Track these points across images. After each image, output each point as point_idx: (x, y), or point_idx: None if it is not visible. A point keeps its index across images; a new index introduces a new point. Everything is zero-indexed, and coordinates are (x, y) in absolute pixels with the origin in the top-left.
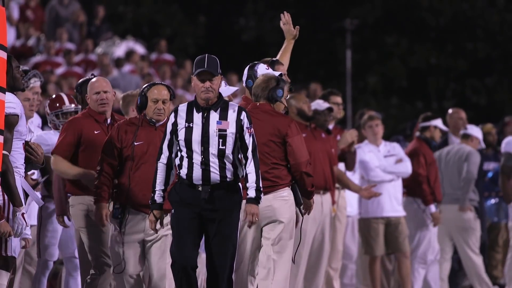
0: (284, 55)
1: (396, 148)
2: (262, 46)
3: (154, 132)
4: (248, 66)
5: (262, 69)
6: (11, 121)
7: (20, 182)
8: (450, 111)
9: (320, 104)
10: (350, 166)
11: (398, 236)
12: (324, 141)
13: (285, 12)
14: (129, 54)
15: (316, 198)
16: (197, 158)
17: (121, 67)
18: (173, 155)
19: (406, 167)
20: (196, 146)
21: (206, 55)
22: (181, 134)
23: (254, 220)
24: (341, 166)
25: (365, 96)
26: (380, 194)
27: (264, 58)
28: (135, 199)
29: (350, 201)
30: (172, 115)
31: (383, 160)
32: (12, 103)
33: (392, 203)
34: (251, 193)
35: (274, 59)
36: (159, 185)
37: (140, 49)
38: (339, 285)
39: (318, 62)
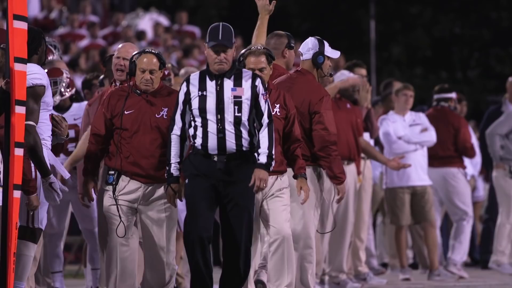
0: (262, 34)
1: (421, 117)
2: (286, 17)
3: (145, 100)
4: (314, 39)
5: (327, 46)
6: (37, 92)
7: (47, 154)
8: (510, 79)
9: (345, 75)
10: (371, 132)
11: (424, 206)
12: (349, 111)
13: None
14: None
15: None
16: (212, 126)
17: (142, 40)
18: (187, 126)
19: (431, 136)
20: (211, 115)
21: (220, 24)
22: (195, 103)
23: (262, 185)
24: (366, 136)
25: (389, 66)
26: (409, 165)
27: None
28: (129, 168)
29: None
30: (184, 84)
31: (408, 129)
32: (38, 74)
33: (418, 172)
34: (262, 158)
35: (355, 61)
36: (174, 158)
37: (164, 21)
38: (365, 256)
39: (341, 33)
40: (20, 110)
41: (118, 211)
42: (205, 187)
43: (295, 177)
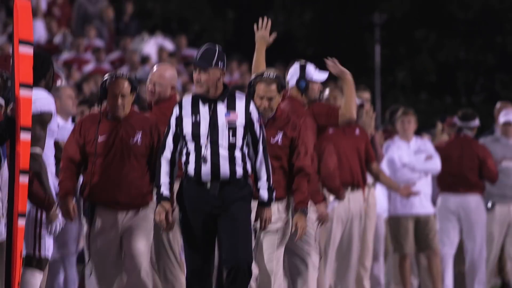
0: (261, 65)
1: (427, 144)
2: (291, 41)
3: (118, 126)
4: (297, 65)
5: (311, 70)
6: (45, 118)
7: (52, 182)
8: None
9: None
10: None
11: (428, 234)
12: (356, 138)
13: (265, 18)
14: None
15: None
16: (206, 152)
17: (146, 64)
18: (178, 151)
19: (436, 164)
20: (204, 140)
21: (205, 46)
22: (188, 128)
23: (267, 225)
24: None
25: (394, 91)
26: (418, 193)
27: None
28: (104, 196)
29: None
30: (176, 108)
31: (412, 157)
32: (46, 100)
33: (421, 200)
34: (263, 193)
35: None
36: (164, 178)
37: (169, 45)
38: (369, 284)
39: (347, 57)
40: (25, 137)
41: (88, 248)
42: (202, 219)
43: (294, 210)
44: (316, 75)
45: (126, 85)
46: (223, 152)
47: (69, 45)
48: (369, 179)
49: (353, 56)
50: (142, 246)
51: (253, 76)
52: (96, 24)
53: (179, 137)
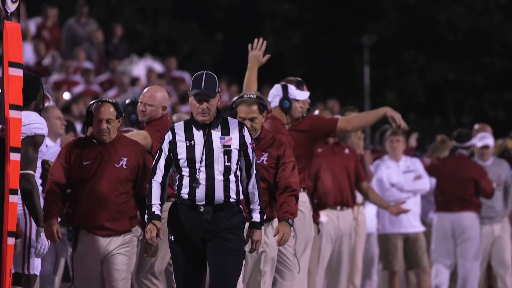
0: (253, 84)
1: (416, 163)
2: (280, 63)
3: (103, 150)
4: (279, 85)
5: (293, 89)
6: (37, 141)
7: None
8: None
9: None
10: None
11: (417, 252)
12: (345, 157)
13: (261, 39)
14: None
15: (332, 214)
16: (201, 176)
17: (136, 85)
18: (168, 175)
19: (424, 184)
20: (200, 165)
21: (204, 73)
22: (182, 153)
23: (257, 247)
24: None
25: None
26: (408, 211)
27: (287, 78)
28: (88, 221)
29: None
30: (169, 133)
31: (401, 176)
32: (39, 123)
33: (410, 219)
34: (256, 216)
35: (299, 79)
36: (155, 199)
37: (158, 67)
38: None
39: (336, 78)
40: (14, 157)
41: (72, 272)
42: (193, 242)
43: (278, 220)
44: (299, 94)
45: (111, 110)
46: (218, 176)
47: (58, 67)
48: (359, 197)
49: (342, 77)
50: (124, 273)
51: (234, 98)
52: (86, 46)
53: (171, 162)
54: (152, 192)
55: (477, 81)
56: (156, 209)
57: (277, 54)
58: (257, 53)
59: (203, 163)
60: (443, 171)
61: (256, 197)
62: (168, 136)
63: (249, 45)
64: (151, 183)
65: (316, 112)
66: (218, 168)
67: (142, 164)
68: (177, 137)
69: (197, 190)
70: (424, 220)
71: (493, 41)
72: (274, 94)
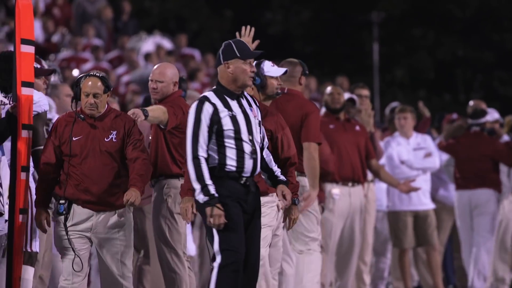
0: None
1: (427, 140)
2: (289, 40)
3: (93, 125)
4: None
5: (268, 66)
6: (44, 118)
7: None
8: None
9: None
10: (375, 156)
11: (426, 229)
12: (356, 133)
13: (248, 26)
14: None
15: (344, 190)
16: (247, 148)
17: (149, 62)
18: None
19: (434, 162)
20: (245, 135)
21: (242, 40)
22: (228, 124)
23: (290, 200)
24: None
25: (392, 89)
26: (418, 188)
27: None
28: (80, 196)
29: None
30: (207, 104)
31: (411, 154)
32: (44, 99)
33: (419, 196)
34: (282, 177)
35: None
36: (208, 179)
37: (167, 44)
38: (369, 279)
39: (345, 55)
40: (25, 134)
41: (70, 244)
42: (240, 213)
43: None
44: (273, 70)
45: (99, 84)
46: (258, 148)
47: (67, 44)
48: (369, 175)
49: (352, 54)
50: (120, 256)
51: None
52: (95, 23)
53: (212, 134)
54: (203, 170)
55: (486, 58)
56: (213, 190)
57: (286, 31)
58: (247, 39)
59: (247, 134)
60: (459, 150)
61: (273, 162)
62: (207, 107)
63: (237, 33)
64: (199, 159)
65: (329, 89)
66: (257, 140)
67: (131, 134)
68: (218, 107)
69: (246, 162)
70: (434, 197)
71: (502, 18)
72: None
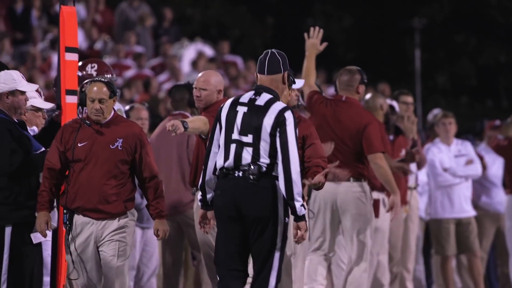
0: (311, 72)
1: (467, 147)
2: (330, 46)
3: (98, 131)
4: None
5: None
6: None
7: None
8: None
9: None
10: (419, 163)
11: (468, 236)
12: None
13: (317, 28)
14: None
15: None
16: None
17: (195, 69)
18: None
19: (476, 169)
20: None
21: (269, 54)
22: None
23: None
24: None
25: (434, 95)
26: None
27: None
28: (80, 204)
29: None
30: None
31: (453, 161)
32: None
33: (462, 204)
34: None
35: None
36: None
37: (208, 51)
38: (412, 286)
39: (387, 62)
40: None
41: (70, 255)
42: None
43: None
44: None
45: (104, 90)
46: None
47: (109, 51)
48: (411, 182)
49: (393, 61)
50: (119, 260)
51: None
52: (138, 30)
53: None
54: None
55: None
56: None
57: (328, 38)
58: (314, 41)
59: None
60: (510, 152)
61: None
62: None
63: (305, 34)
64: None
65: (368, 96)
66: None
67: (140, 145)
68: None
69: None
70: (477, 204)
71: None
72: None
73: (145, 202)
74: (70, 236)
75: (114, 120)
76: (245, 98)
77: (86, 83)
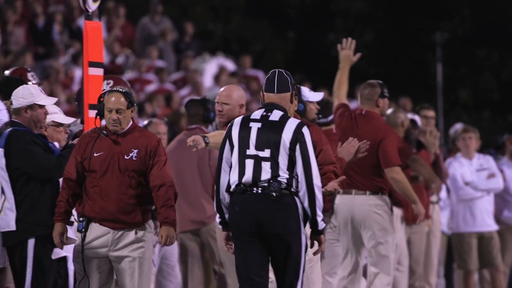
0: (343, 83)
1: (489, 161)
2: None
3: (115, 141)
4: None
5: (307, 92)
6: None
7: None
8: None
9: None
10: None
11: (491, 250)
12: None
13: (349, 39)
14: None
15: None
16: None
17: (218, 84)
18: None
19: (498, 183)
20: None
21: (277, 73)
22: None
23: None
24: None
25: (456, 110)
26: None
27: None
28: (97, 213)
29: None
30: None
31: (475, 175)
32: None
33: (484, 217)
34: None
35: (381, 81)
36: None
37: (230, 65)
38: None
39: (409, 76)
40: None
41: (83, 263)
42: None
43: None
44: (312, 95)
45: (122, 100)
46: None
47: (131, 65)
48: (433, 196)
49: (415, 75)
50: (139, 278)
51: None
52: (159, 44)
53: None
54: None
55: None
56: None
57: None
58: (348, 52)
59: None
60: None
61: None
62: None
63: (339, 45)
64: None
65: (389, 111)
66: None
67: (154, 154)
68: None
69: None
70: (499, 219)
71: None
72: None
73: None
74: (84, 244)
75: (132, 131)
76: (256, 115)
77: (104, 93)
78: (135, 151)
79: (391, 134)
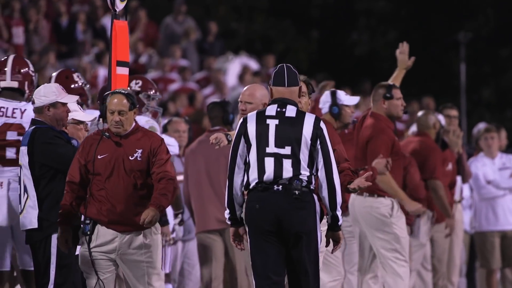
0: (397, 84)
1: None
2: (375, 61)
3: (118, 143)
4: (328, 92)
5: (343, 95)
6: None
7: None
8: None
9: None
10: (463, 177)
11: None
12: None
13: (404, 43)
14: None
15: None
16: None
17: (242, 83)
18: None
19: None
20: None
21: (285, 67)
22: None
23: None
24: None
25: (479, 109)
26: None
27: (380, 83)
28: (104, 216)
29: None
30: None
31: (497, 173)
32: None
33: (506, 216)
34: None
35: (390, 83)
36: None
37: (253, 64)
38: None
39: (432, 76)
40: None
41: (93, 266)
42: None
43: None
44: (348, 99)
45: (124, 102)
46: None
47: (155, 64)
48: (456, 195)
49: (439, 74)
50: (146, 273)
51: None
52: (183, 44)
53: None
54: None
55: None
56: None
57: (373, 52)
58: (404, 57)
59: None
60: None
61: None
62: None
63: (397, 50)
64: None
65: (420, 113)
66: None
67: (157, 152)
68: None
69: None
70: None
71: None
72: (324, 101)
73: (187, 215)
74: (91, 247)
75: (135, 132)
76: (271, 111)
77: (107, 95)
78: (139, 151)
79: (380, 134)
